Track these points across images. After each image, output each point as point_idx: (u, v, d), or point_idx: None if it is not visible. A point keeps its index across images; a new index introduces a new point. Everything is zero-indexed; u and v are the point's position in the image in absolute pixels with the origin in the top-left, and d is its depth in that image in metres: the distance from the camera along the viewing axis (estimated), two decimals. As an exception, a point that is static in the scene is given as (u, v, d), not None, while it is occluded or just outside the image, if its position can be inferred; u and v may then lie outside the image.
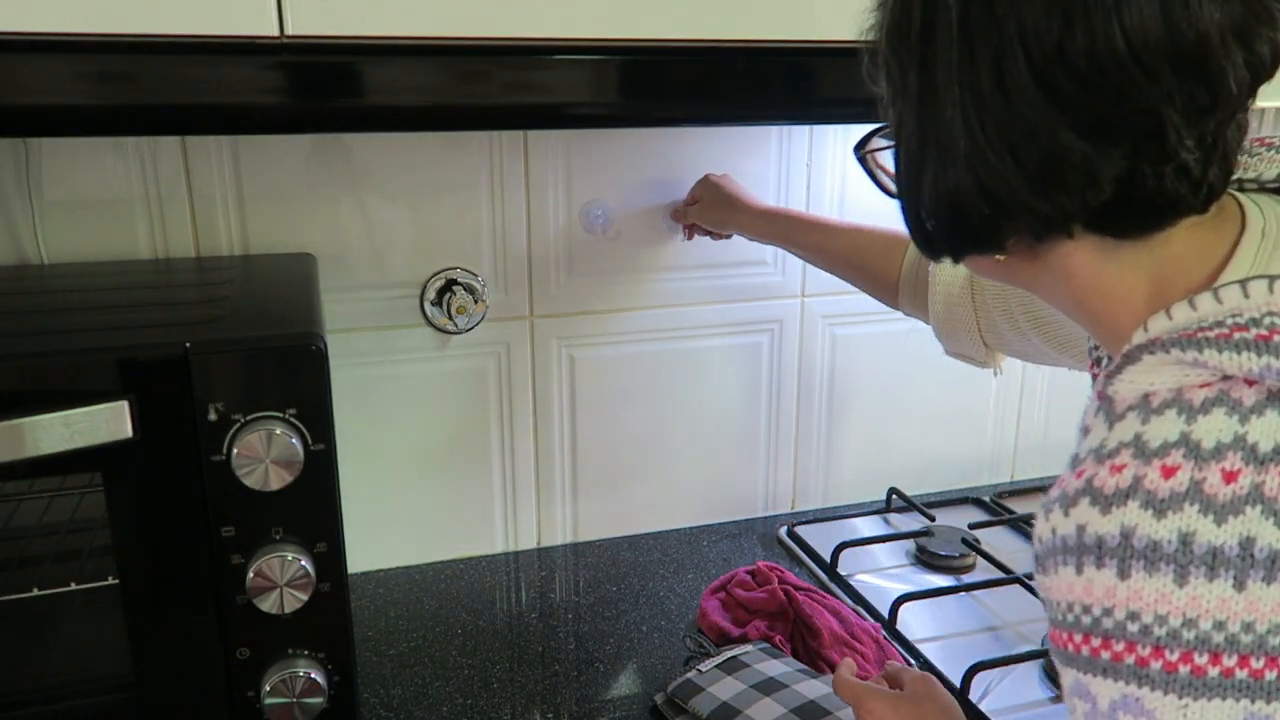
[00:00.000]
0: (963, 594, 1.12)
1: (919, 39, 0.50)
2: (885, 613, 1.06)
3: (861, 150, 0.67)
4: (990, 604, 1.11)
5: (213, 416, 0.71)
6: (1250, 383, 0.43)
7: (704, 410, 1.26)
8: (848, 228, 1.05)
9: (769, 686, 0.89)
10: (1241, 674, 0.41)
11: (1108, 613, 0.44)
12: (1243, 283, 0.46)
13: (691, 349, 1.23)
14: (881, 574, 1.17)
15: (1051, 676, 0.97)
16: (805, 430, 1.31)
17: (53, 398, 0.67)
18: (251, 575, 0.74)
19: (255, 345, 0.72)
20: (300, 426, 0.72)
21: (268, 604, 0.75)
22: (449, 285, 1.10)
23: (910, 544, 1.23)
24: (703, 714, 0.88)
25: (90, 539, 0.74)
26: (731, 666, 0.93)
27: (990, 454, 1.42)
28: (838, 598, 1.10)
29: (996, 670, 0.97)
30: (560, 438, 1.21)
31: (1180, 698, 0.42)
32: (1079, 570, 0.45)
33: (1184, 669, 0.42)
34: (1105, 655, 0.44)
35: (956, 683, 0.94)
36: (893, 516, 1.32)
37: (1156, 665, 0.42)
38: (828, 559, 1.17)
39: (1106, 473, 0.45)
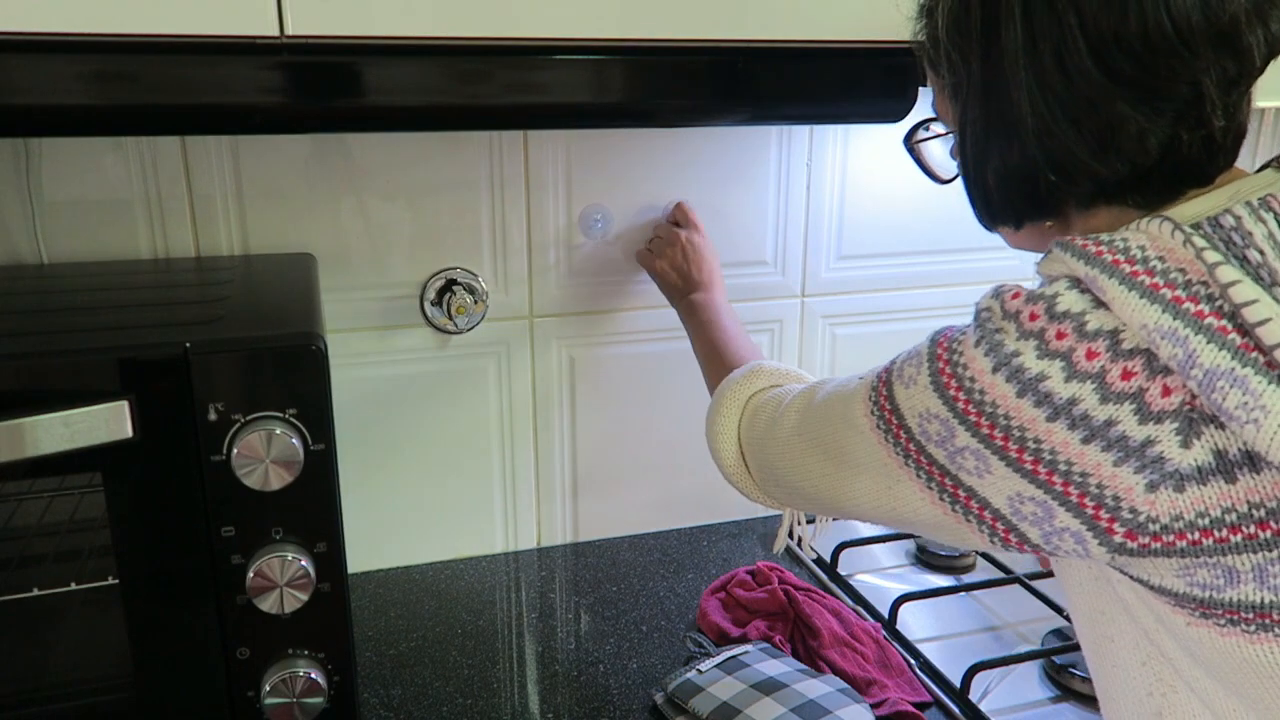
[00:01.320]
0: (963, 594, 1.12)
1: (981, 33, 0.59)
2: (885, 613, 1.06)
3: (911, 141, 0.78)
4: (990, 604, 1.11)
5: (213, 416, 0.71)
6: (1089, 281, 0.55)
7: (704, 410, 1.25)
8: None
9: (769, 686, 0.89)
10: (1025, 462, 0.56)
11: (966, 368, 0.58)
12: (1155, 218, 0.55)
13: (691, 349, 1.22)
14: (881, 574, 1.17)
15: (1051, 676, 0.97)
16: (805, 430, 1.31)
17: (53, 398, 0.67)
18: (251, 575, 0.74)
19: (255, 345, 0.72)
20: (300, 426, 0.72)
21: (268, 604, 0.75)
22: (449, 285, 1.10)
23: (910, 544, 1.23)
24: (702, 714, 0.88)
25: (90, 539, 0.74)
26: (731, 666, 0.93)
27: (990, 454, 1.42)
28: (838, 598, 1.10)
29: (996, 670, 0.97)
30: (560, 438, 1.21)
31: (1007, 466, 0.56)
32: (976, 343, 0.58)
33: (1012, 447, 0.56)
34: (941, 379, 0.59)
35: (956, 683, 0.94)
36: (893, 516, 1.32)
37: (959, 403, 0.58)
38: (828, 559, 1.17)
39: (1010, 297, 0.57)
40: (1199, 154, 0.58)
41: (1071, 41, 0.55)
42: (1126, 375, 0.52)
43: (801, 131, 1.19)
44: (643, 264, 1.14)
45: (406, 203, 1.08)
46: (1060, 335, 0.54)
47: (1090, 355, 0.53)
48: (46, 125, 0.74)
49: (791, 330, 1.26)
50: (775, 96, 0.85)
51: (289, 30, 0.69)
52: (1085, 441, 0.53)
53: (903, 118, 0.88)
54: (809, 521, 1.20)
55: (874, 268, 1.27)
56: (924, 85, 0.66)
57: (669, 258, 1.09)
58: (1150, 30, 0.53)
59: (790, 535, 1.08)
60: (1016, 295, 0.57)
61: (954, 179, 0.69)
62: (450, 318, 1.10)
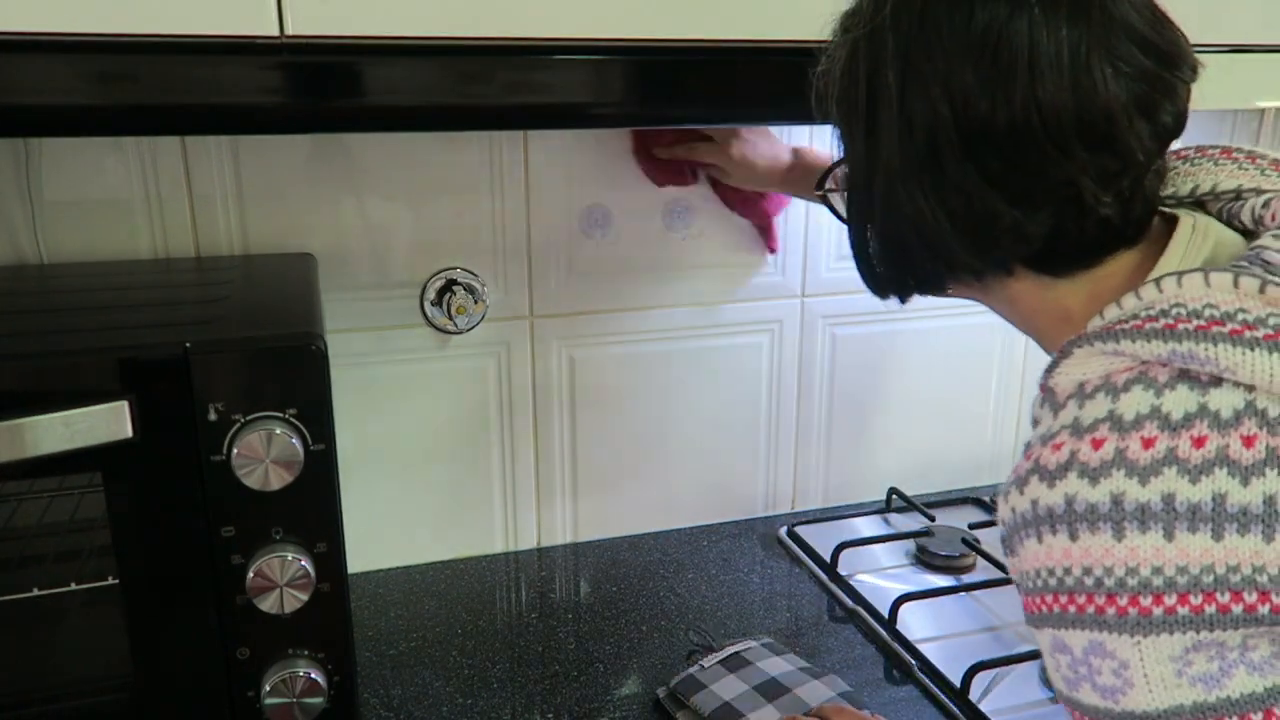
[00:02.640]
0: (963, 594, 1.12)
1: (864, 109, 0.57)
2: (885, 613, 1.06)
3: (821, 189, 0.74)
4: (990, 604, 1.11)
5: (213, 416, 0.71)
6: (1163, 364, 0.49)
7: (704, 410, 1.26)
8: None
9: (771, 690, 0.89)
10: (1183, 610, 0.46)
11: (1067, 571, 0.49)
12: (1158, 280, 0.51)
13: (691, 349, 1.23)
14: (881, 574, 1.17)
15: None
16: (805, 430, 1.31)
17: (53, 398, 0.67)
18: (251, 575, 0.74)
19: (255, 345, 0.72)
20: (300, 426, 0.72)
21: (268, 604, 0.75)
22: (449, 285, 1.10)
23: (910, 544, 1.23)
24: (704, 712, 0.88)
25: (90, 539, 0.74)
26: (734, 663, 0.93)
27: (990, 454, 1.42)
28: (838, 598, 1.10)
29: (996, 670, 0.97)
30: (560, 438, 1.21)
31: (1133, 636, 0.47)
32: (1039, 539, 0.50)
33: (1133, 611, 0.47)
34: (1072, 609, 0.49)
35: (956, 683, 0.94)
36: (893, 516, 1.32)
37: (1111, 611, 0.47)
38: (828, 559, 1.17)
39: (1049, 452, 0.50)
40: (1098, 233, 0.55)
41: (944, 132, 0.53)
42: None
43: (801, 131, 1.19)
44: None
45: (406, 203, 1.08)
46: (1199, 441, 0.46)
47: (1248, 442, 0.45)
48: (46, 125, 0.74)
49: (791, 330, 1.26)
50: (776, 96, 0.85)
51: (289, 30, 0.69)
52: None
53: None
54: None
55: (874, 268, 1.27)
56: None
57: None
58: (1019, 125, 0.52)
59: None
60: (1076, 451, 0.48)
61: None
62: (450, 318, 1.10)
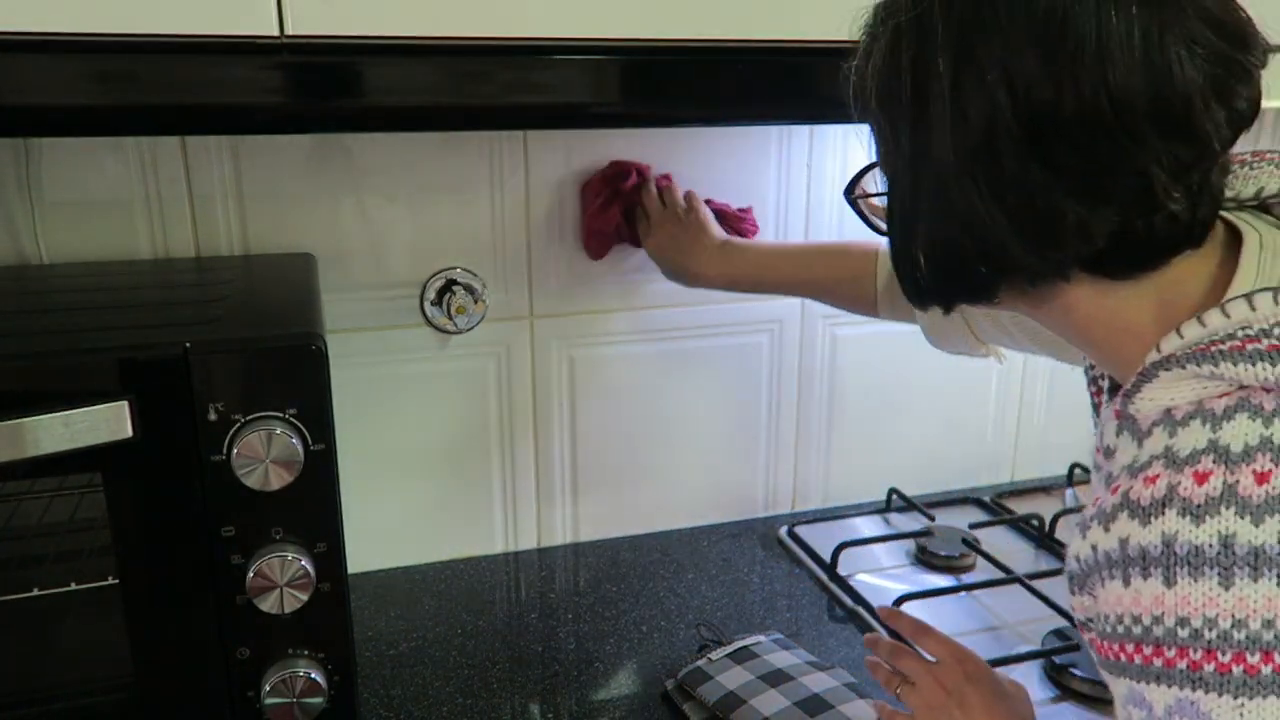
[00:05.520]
0: (963, 594, 1.12)
1: (910, 101, 0.52)
2: (885, 613, 1.06)
3: (851, 195, 0.69)
4: (990, 604, 1.11)
5: (213, 416, 0.71)
6: (1268, 390, 0.44)
7: (704, 410, 1.26)
8: (811, 250, 1.03)
9: (776, 678, 0.90)
10: None
11: (1157, 621, 0.44)
12: (1248, 296, 0.47)
13: (691, 349, 1.23)
14: (881, 574, 1.17)
15: (1051, 677, 0.97)
16: (805, 430, 1.31)
17: (53, 398, 0.67)
18: (251, 575, 0.74)
19: (255, 345, 0.72)
20: (300, 426, 0.72)
21: (268, 604, 0.75)
22: (449, 285, 1.10)
23: (910, 544, 1.23)
24: (709, 702, 0.88)
25: (90, 539, 0.74)
26: (741, 656, 0.94)
27: (990, 454, 1.42)
28: (838, 598, 1.10)
29: (996, 670, 0.97)
30: (560, 438, 1.21)
31: (1236, 698, 0.42)
32: (1126, 582, 0.45)
33: (1237, 669, 0.42)
34: (1158, 662, 0.44)
35: (956, 683, 0.94)
36: (893, 516, 1.32)
37: (1210, 668, 0.43)
38: (828, 559, 1.17)
39: (1141, 485, 0.45)
40: (1164, 231, 0.50)
41: (1003, 122, 0.48)
42: None
43: (801, 131, 1.19)
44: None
45: (406, 203, 1.08)
46: None
47: None
48: (46, 125, 0.74)
49: (791, 330, 1.26)
50: (777, 97, 0.85)
51: (289, 30, 0.69)
52: None
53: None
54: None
55: (874, 268, 1.27)
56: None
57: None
58: (1088, 113, 0.47)
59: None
60: (1176, 485, 0.44)
61: None
62: (450, 318, 1.10)
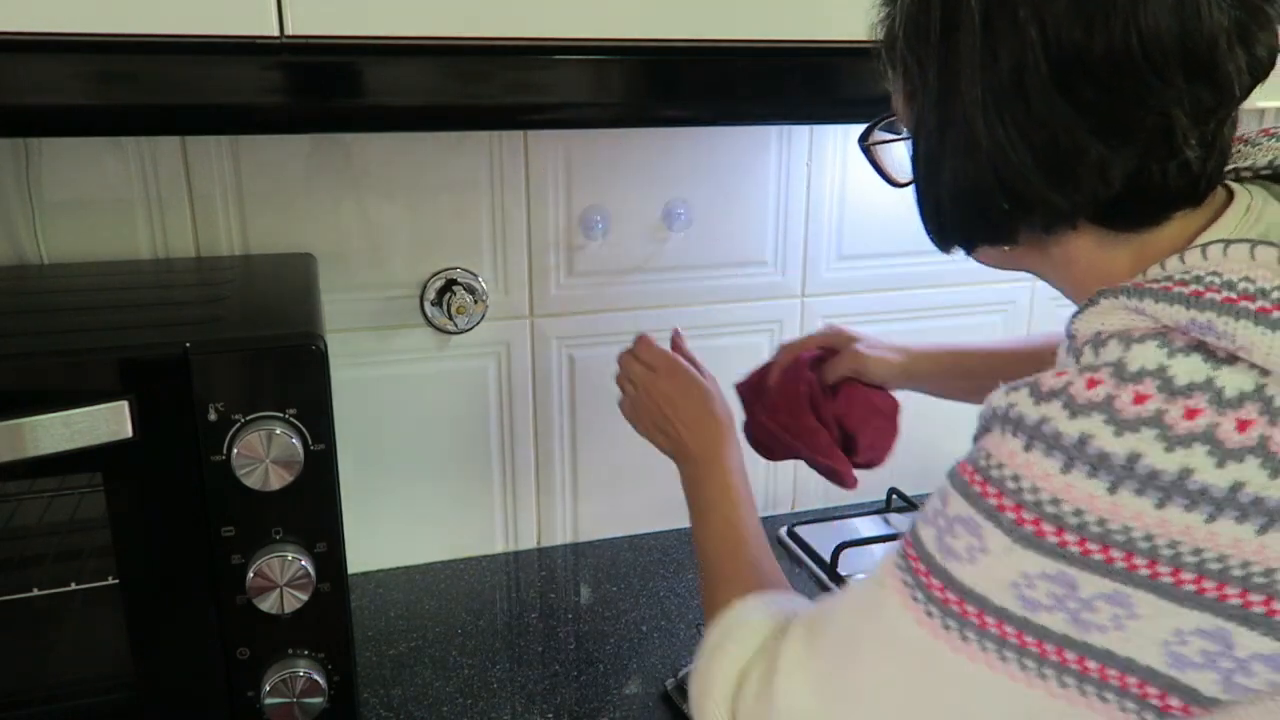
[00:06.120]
0: (963, 594, 1.12)
1: (940, 39, 0.53)
2: (885, 613, 1.06)
3: (865, 141, 0.70)
4: (990, 604, 1.11)
5: (213, 416, 0.71)
6: (1183, 333, 0.47)
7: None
8: (1010, 351, 0.98)
9: None
10: (1070, 545, 0.46)
11: (1034, 490, 0.48)
12: (1204, 245, 0.49)
13: (691, 349, 1.22)
14: (881, 574, 1.17)
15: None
16: (805, 430, 1.31)
17: (53, 398, 0.67)
18: (251, 575, 0.74)
19: (255, 345, 0.72)
20: (300, 426, 0.72)
21: (268, 604, 0.75)
22: (449, 285, 1.10)
23: (910, 544, 1.23)
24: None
25: (90, 539, 0.74)
26: None
27: (990, 454, 1.41)
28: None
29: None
30: (560, 437, 1.21)
31: (1010, 538, 0.48)
32: (1027, 448, 0.48)
33: (1028, 527, 0.47)
34: (1010, 516, 0.48)
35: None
36: (893, 516, 1.32)
37: (1009, 517, 0.48)
38: (828, 559, 1.17)
39: (1083, 385, 0.48)
40: (1175, 182, 0.52)
41: (1032, 60, 0.50)
42: None
43: (801, 131, 1.19)
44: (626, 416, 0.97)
45: (406, 203, 1.08)
46: (1191, 413, 0.44)
47: (1242, 426, 0.44)
48: (46, 125, 0.74)
49: (792, 330, 1.26)
50: (777, 96, 0.85)
51: (289, 30, 0.69)
52: (1262, 531, 0.43)
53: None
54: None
55: (874, 268, 1.26)
56: (884, 84, 0.61)
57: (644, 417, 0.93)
58: (1117, 52, 0.48)
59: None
60: (1070, 383, 0.48)
61: (909, 184, 0.62)
62: (450, 318, 1.10)
